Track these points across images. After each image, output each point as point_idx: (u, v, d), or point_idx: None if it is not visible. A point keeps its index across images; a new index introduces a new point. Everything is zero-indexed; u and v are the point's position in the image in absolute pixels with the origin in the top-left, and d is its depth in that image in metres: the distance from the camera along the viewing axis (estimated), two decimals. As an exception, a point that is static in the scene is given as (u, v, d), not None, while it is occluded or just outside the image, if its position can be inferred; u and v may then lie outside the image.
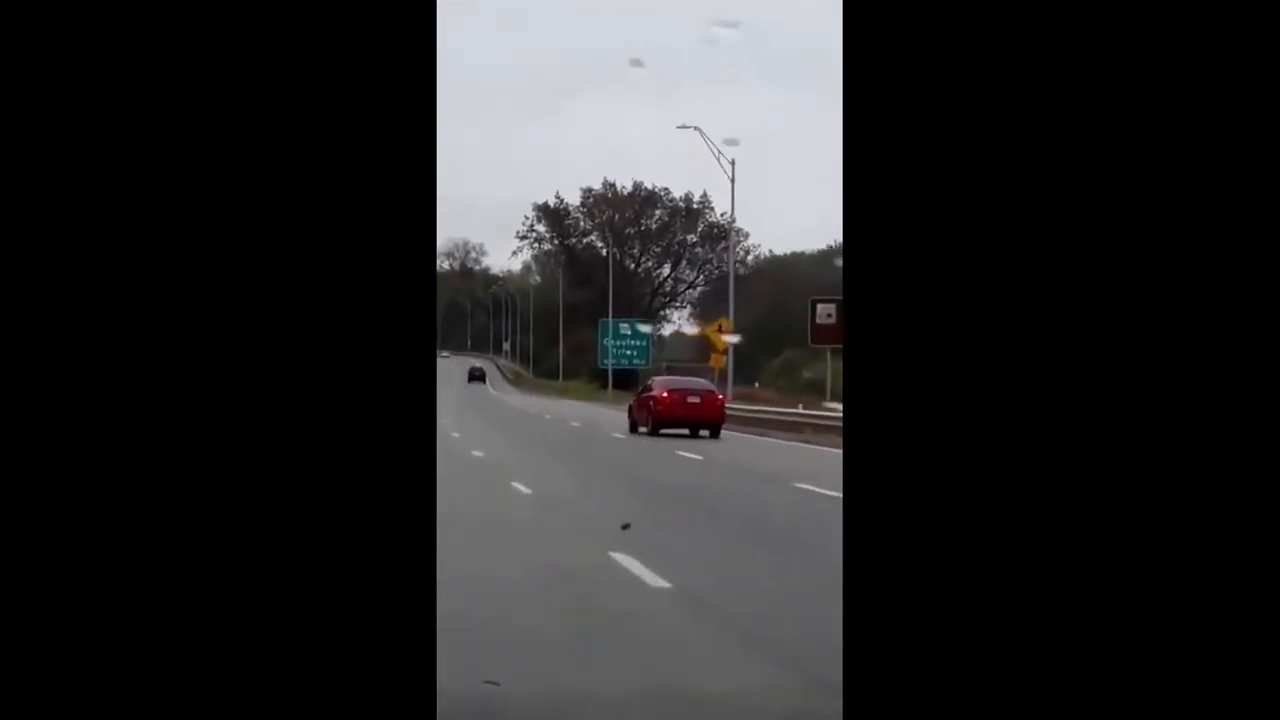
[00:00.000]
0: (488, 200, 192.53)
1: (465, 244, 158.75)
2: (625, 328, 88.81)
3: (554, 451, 27.67)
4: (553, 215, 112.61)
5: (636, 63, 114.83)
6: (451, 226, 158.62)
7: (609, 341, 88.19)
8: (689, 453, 26.67)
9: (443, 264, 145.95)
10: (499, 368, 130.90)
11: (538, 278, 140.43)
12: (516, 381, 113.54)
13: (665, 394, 33.17)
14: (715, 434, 32.22)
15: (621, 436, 33.49)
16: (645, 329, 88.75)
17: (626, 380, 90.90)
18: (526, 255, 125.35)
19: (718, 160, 52.11)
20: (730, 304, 51.15)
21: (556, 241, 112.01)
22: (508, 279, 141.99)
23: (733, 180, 53.08)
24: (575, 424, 41.46)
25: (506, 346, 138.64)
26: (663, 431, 32.32)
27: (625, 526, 9.61)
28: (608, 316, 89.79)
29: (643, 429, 33.28)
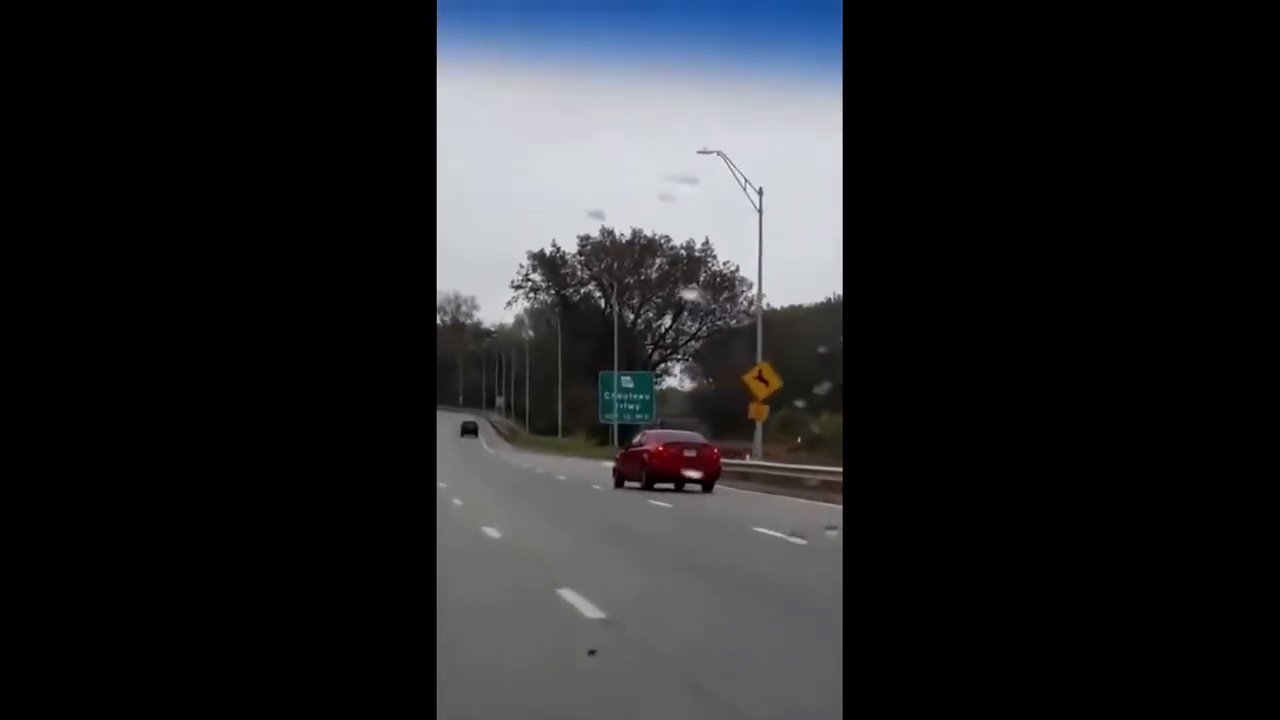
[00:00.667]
0: (479, 252, 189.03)
1: (456, 297, 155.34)
2: (628, 380, 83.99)
3: (537, 503, 27.85)
4: (549, 264, 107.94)
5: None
6: (441, 279, 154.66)
7: (611, 395, 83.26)
8: (660, 502, 27.26)
9: None
10: (492, 424, 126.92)
11: (531, 331, 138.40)
12: (511, 438, 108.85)
13: (660, 448, 32.42)
14: (708, 489, 31.70)
15: (600, 489, 33.07)
16: (648, 382, 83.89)
17: (630, 436, 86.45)
18: (521, 307, 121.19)
19: (744, 189, 48.65)
20: (759, 347, 46.40)
21: (553, 292, 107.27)
22: (500, 333, 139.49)
23: (760, 211, 48.22)
24: (561, 477, 40.71)
25: (500, 402, 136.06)
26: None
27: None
28: (607, 369, 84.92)
29: (632, 484, 32.54)
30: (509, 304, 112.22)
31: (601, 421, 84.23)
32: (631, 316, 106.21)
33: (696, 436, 34.92)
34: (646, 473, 31.91)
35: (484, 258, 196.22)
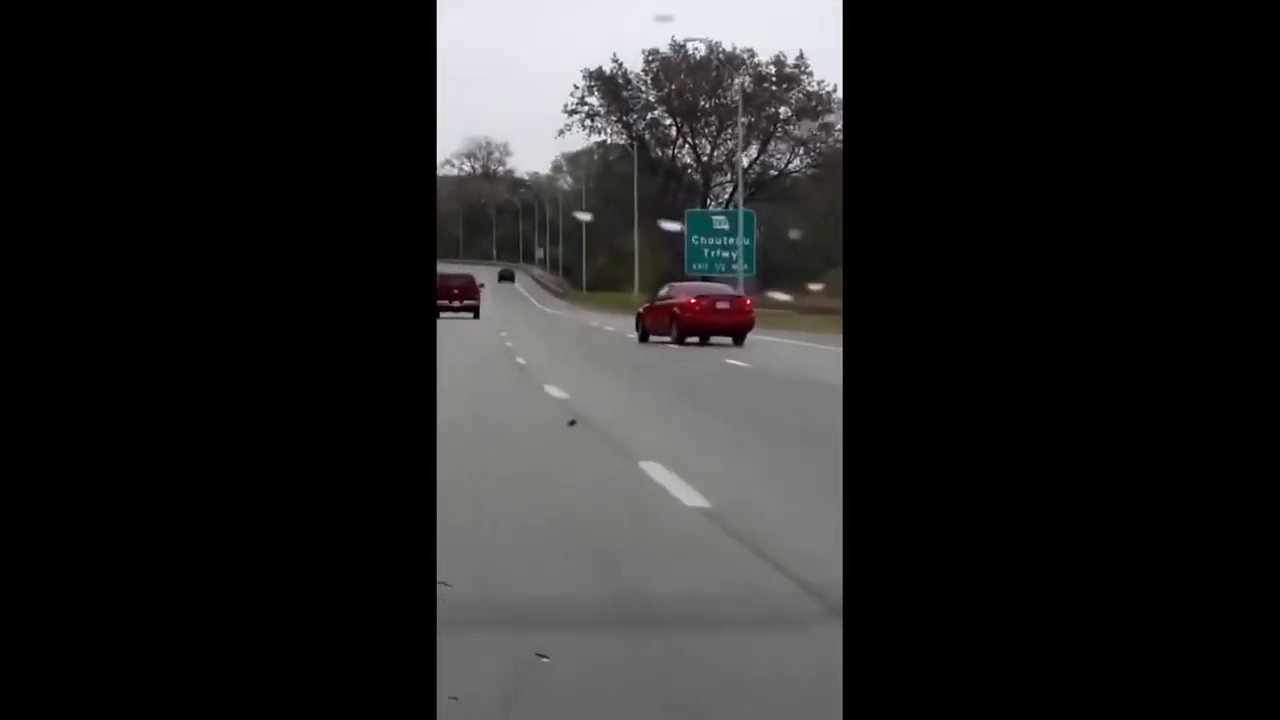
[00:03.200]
0: (510, 94, 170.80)
1: (487, 144, 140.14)
2: (721, 221, 65.88)
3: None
4: (608, 85, 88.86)
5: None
6: (470, 124, 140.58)
7: (699, 239, 65.27)
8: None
9: (462, 166, 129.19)
10: (536, 279, 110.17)
11: (570, 179, 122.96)
12: (565, 294, 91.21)
13: (691, 300, 32.07)
14: (740, 341, 31.14)
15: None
16: (751, 223, 65.67)
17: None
18: (577, 136, 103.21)
19: None
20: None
21: (615, 118, 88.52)
22: (535, 182, 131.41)
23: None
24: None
25: (540, 254, 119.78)
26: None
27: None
28: (665, 215, 66.60)
29: (661, 338, 32.03)
30: (561, 132, 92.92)
31: (688, 273, 66.35)
32: (708, 147, 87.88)
33: (727, 289, 34.59)
34: (678, 326, 31.48)
35: (519, 98, 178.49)
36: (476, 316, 50.53)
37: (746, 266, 64.83)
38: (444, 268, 61.64)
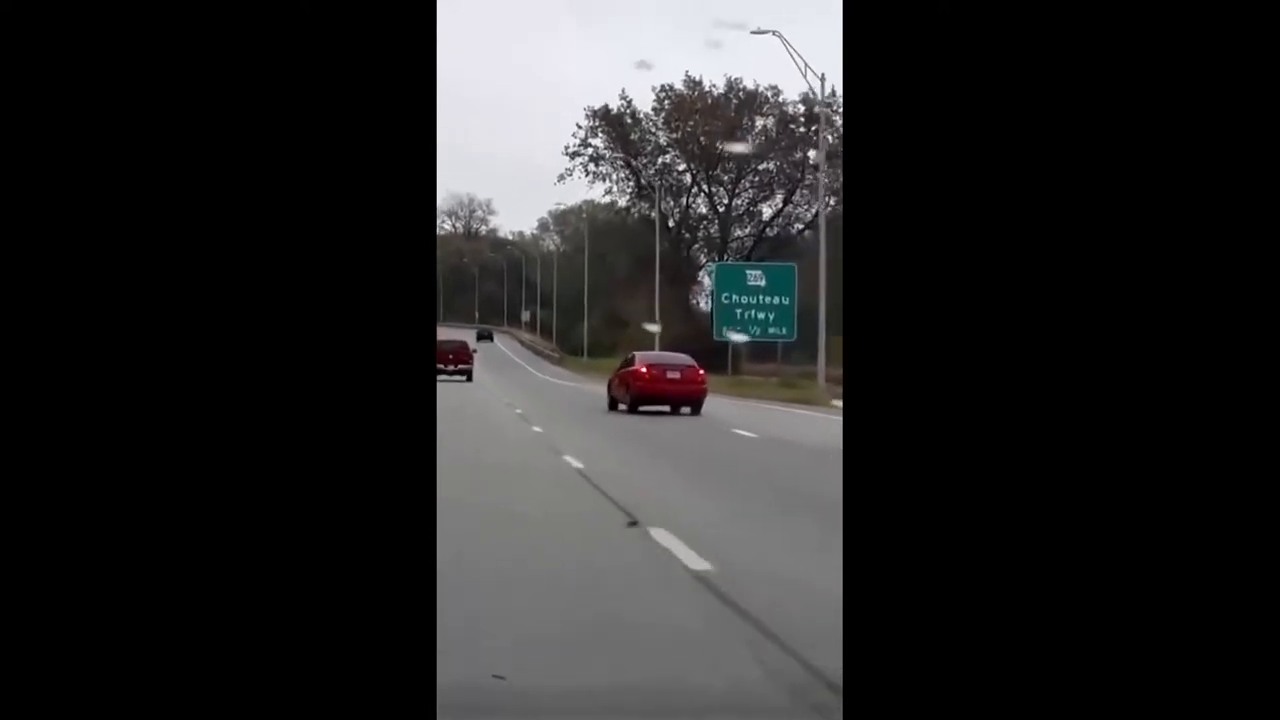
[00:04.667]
0: (495, 149, 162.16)
1: (470, 201, 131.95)
2: (756, 276, 55.73)
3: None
4: (614, 125, 78.76)
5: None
6: (452, 179, 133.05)
7: (730, 298, 55.19)
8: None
9: (444, 224, 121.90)
10: (524, 344, 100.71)
11: (556, 239, 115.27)
12: (562, 362, 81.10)
13: (644, 369, 32.59)
14: (696, 411, 31.77)
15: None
16: (789, 278, 55.43)
17: (760, 352, 58.29)
18: (579, 179, 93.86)
19: (804, 75, 42.88)
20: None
21: (619, 162, 78.35)
22: (520, 242, 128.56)
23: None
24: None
25: (526, 317, 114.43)
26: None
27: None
28: (683, 267, 56.81)
29: (622, 406, 32.73)
30: (560, 178, 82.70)
31: (718, 339, 56.17)
32: (724, 196, 77.91)
33: (683, 358, 34.61)
34: (630, 395, 32.10)
35: (504, 156, 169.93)
36: (469, 379, 50.69)
37: (785, 329, 54.71)
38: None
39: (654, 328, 57.55)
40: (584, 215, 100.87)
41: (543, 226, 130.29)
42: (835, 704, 4.71)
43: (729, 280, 55.43)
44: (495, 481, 13.54)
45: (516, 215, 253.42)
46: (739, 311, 54.56)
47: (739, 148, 72.92)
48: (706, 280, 78.15)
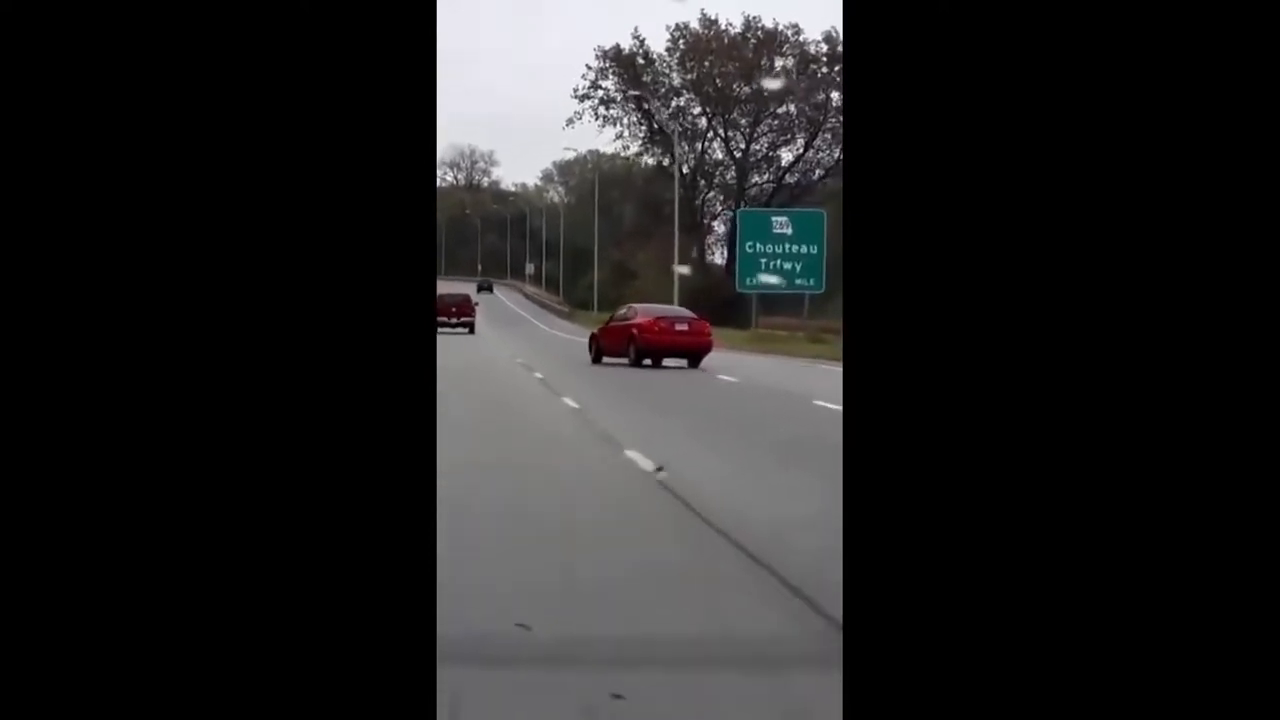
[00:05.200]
0: (499, 99, 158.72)
1: (472, 152, 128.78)
2: (782, 224, 51.90)
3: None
4: (626, 66, 74.66)
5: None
6: (454, 131, 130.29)
7: (755, 247, 51.50)
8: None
9: (445, 176, 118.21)
10: (529, 296, 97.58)
11: (561, 190, 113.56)
12: (571, 317, 77.42)
13: (649, 321, 31.10)
14: (695, 364, 30.51)
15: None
16: (818, 226, 51.54)
17: (781, 306, 54.50)
18: (588, 124, 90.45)
19: None
20: None
21: (631, 105, 74.24)
22: (522, 194, 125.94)
23: None
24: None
25: (530, 270, 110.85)
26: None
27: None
28: (696, 216, 53.51)
29: (613, 360, 31.06)
30: (569, 122, 78.57)
31: (741, 290, 52.54)
32: (741, 142, 74.01)
33: (685, 311, 34.40)
34: (635, 348, 30.59)
35: (506, 108, 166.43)
36: (472, 332, 49.90)
37: (813, 280, 50.96)
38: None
39: (683, 269, 54.87)
40: (590, 166, 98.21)
41: (547, 178, 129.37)
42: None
43: (753, 227, 51.63)
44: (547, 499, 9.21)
45: (519, 167, 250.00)
46: (764, 261, 50.81)
47: (770, 84, 69.02)
48: (720, 229, 74.34)
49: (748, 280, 51.17)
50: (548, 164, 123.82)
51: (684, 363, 30.50)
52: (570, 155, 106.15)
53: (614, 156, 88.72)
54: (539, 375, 25.30)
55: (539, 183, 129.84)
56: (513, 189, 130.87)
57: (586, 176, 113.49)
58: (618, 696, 4.47)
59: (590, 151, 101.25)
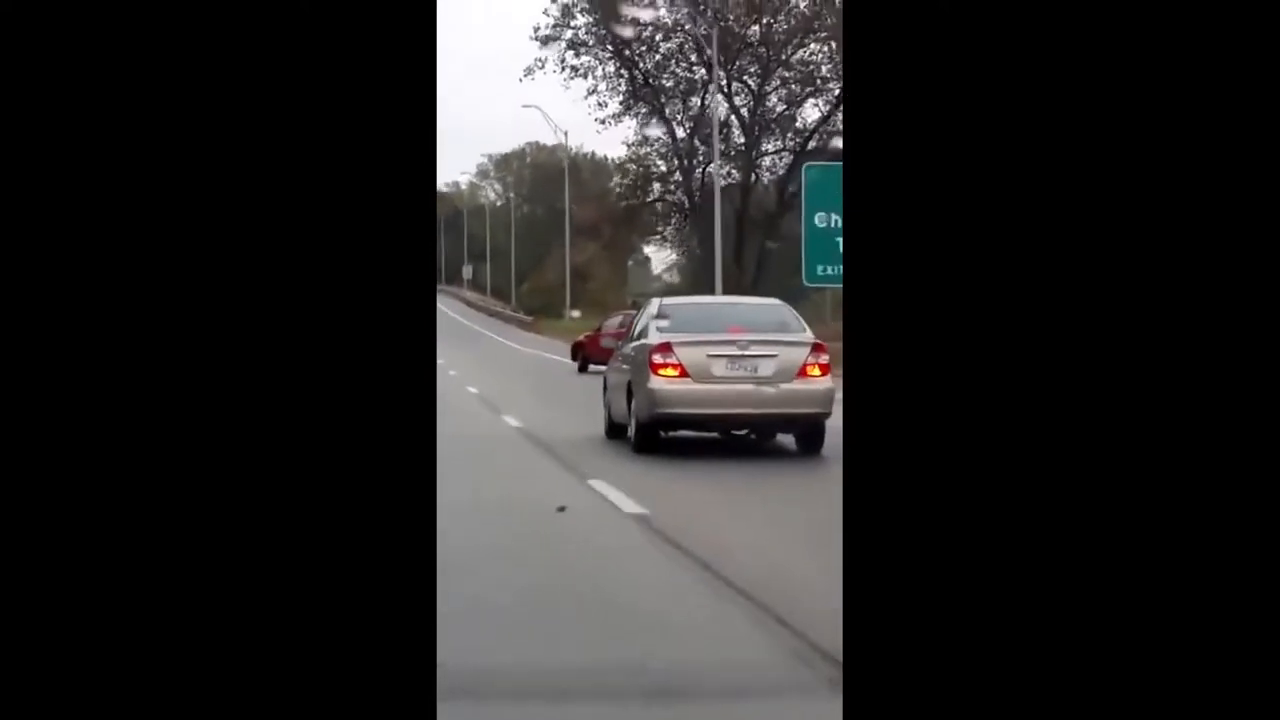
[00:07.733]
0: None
1: None
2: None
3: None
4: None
5: None
6: None
7: (826, 220, 35.21)
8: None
9: None
10: (470, 304, 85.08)
11: (498, 187, 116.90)
12: (536, 326, 61.90)
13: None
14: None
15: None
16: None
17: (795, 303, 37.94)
18: (552, 73, 76.65)
19: None
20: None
21: (607, 53, 57.64)
22: (454, 193, 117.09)
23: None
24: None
25: (468, 274, 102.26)
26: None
27: (561, 509, 9.66)
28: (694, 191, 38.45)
29: (598, 368, 28.93)
30: (529, 72, 62.07)
31: (810, 283, 36.22)
32: (748, 98, 57.77)
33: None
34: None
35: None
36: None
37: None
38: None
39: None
40: (529, 160, 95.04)
41: (482, 174, 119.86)
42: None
43: (823, 193, 35.21)
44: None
45: (445, 165, 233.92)
46: (839, 241, 34.50)
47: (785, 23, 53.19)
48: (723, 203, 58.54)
49: (819, 269, 34.97)
50: (481, 158, 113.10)
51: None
52: (503, 151, 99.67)
53: (551, 150, 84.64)
54: (544, 441, 16.75)
55: (474, 179, 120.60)
56: (445, 189, 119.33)
57: (524, 173, 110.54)
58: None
59: (529, 143, 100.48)
